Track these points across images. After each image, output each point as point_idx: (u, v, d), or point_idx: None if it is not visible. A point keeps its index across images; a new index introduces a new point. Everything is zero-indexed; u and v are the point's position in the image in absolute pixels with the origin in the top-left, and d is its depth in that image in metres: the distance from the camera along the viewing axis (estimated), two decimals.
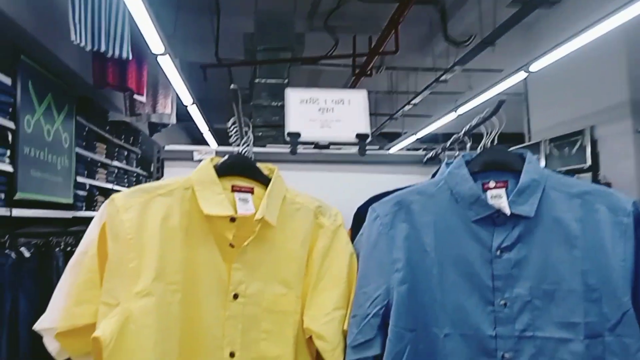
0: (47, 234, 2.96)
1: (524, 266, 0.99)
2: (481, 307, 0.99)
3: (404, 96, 6.72)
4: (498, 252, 1.00)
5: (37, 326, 1.06)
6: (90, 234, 1.09)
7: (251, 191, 1.13)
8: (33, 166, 3.28)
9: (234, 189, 1.12)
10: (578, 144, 4.32)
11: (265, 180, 1.15)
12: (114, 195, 1.03)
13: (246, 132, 1.29)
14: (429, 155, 1.48)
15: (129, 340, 0.93)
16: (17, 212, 2.98)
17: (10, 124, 2.98)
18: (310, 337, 1.07)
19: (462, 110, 5.21)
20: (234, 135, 1.42)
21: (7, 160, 2.96)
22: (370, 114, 1.89)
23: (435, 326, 1.01)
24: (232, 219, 1.08)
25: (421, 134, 6.67)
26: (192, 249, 1.05)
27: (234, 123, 1.35)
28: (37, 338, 1.08)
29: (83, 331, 0.99)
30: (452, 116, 5.50)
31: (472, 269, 1.01)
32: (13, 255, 2.55)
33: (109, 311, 0.95)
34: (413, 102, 5.79)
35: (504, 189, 1.04)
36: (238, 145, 1.32)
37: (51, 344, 1.05)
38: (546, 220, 1.00)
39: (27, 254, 2.65)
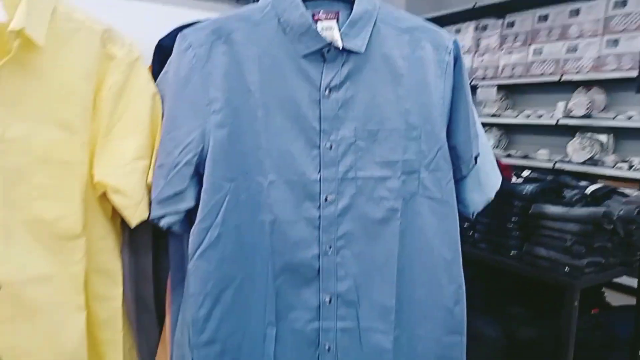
0: None
1: (351, 106, 0.92)
2: (307, 150, 0.91)
3: None
4: (327, 92, 0.90)
5: None
6: None
7: None
8: None
9: None
10: None
11: None
12: None
13: None
14: None
15: None
16: None
17: None
18: (105, 194, 0.85)
19: None
20: None
21: None
22: None
23: (260, 174, 0.89)
24: None
25: None
26: None
27: None
28: None
29: None
30: None
31: (299, 110, 0.90)
32: None
33: None
34: None
35: (335, 20, 0.92)
36: None
37: None
38: (375, 57, 0.93)
39: None
